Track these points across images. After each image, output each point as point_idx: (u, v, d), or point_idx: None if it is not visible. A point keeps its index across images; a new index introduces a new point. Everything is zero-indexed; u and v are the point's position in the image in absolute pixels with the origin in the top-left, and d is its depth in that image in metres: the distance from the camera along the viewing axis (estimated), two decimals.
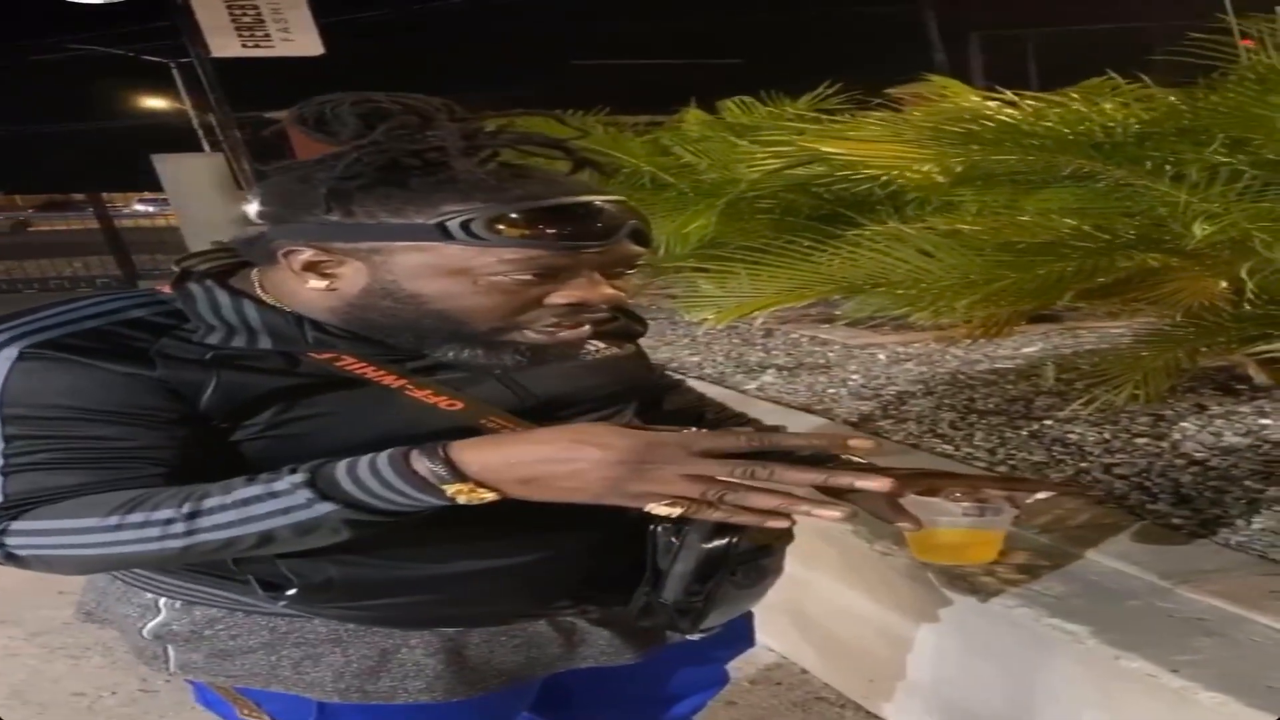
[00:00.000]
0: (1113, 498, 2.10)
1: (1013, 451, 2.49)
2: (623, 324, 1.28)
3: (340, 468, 0.96)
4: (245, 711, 1.21)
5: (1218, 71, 2.46)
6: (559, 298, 1.05)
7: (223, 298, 1.07)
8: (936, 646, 1.85)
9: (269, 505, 0.96)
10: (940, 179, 3.05)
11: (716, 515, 0.97)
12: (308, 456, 0.99)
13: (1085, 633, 1.56)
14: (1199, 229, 2.26)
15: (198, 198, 10.84)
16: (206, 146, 22.17)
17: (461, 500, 0.95)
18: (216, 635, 1.14)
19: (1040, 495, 1.42)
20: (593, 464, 0.95)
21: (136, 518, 0.96)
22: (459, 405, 1.06)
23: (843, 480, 0.99)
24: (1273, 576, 1.70)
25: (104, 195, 13.10)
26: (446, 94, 1.12)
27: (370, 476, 0.95)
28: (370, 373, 1.06)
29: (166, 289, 1.09)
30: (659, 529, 1.12)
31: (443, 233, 1.00)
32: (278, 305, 1.08)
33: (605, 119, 5.35)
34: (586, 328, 1.10)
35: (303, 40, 9.81)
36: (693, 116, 5.22)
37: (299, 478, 0.96)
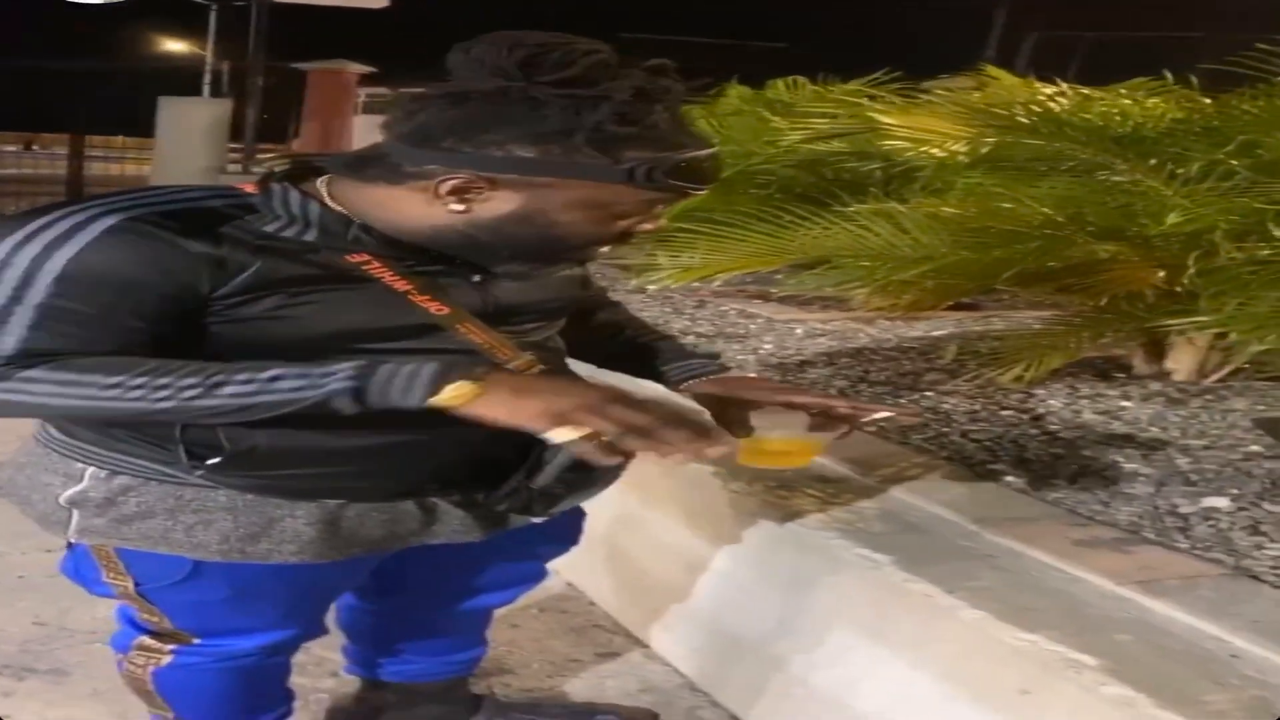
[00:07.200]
0: (960, 458, 2.24)
1: None
2: None
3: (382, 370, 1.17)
4: (111, 575, 1.38)
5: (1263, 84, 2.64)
6: (646, 226, 1.27)
7: (294, 196, 1.25)
8: (731, 574, 1.98)
9: (292, 385, 1.17)
10: (963, 159, 3.25)
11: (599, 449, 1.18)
12: (299, 338, 1.20)
13: (886, 560, 1.70)
14: (1172, 218, 2.53)
15: (187, 142, 10.84)
16: (208, 93, 22.08)
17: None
18: (127, 502, 1.29)
19: (879, 415, 1.67)
20: (537, 410, 1.18)
21: (163, 380, 1.14)
22: (446, 311, 1.25)
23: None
24: (1076, 528, 1.84)
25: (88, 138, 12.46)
26: None
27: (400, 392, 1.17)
28: (386, 275, 1.24)
29: (248, 188, 1.26)
30: None
31: (629, 177, 1.18)
32: (340, 210, 1.25)
33: None
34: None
35: None
36: (733, 92, 5.16)
37: (346, 383, 1.16)
